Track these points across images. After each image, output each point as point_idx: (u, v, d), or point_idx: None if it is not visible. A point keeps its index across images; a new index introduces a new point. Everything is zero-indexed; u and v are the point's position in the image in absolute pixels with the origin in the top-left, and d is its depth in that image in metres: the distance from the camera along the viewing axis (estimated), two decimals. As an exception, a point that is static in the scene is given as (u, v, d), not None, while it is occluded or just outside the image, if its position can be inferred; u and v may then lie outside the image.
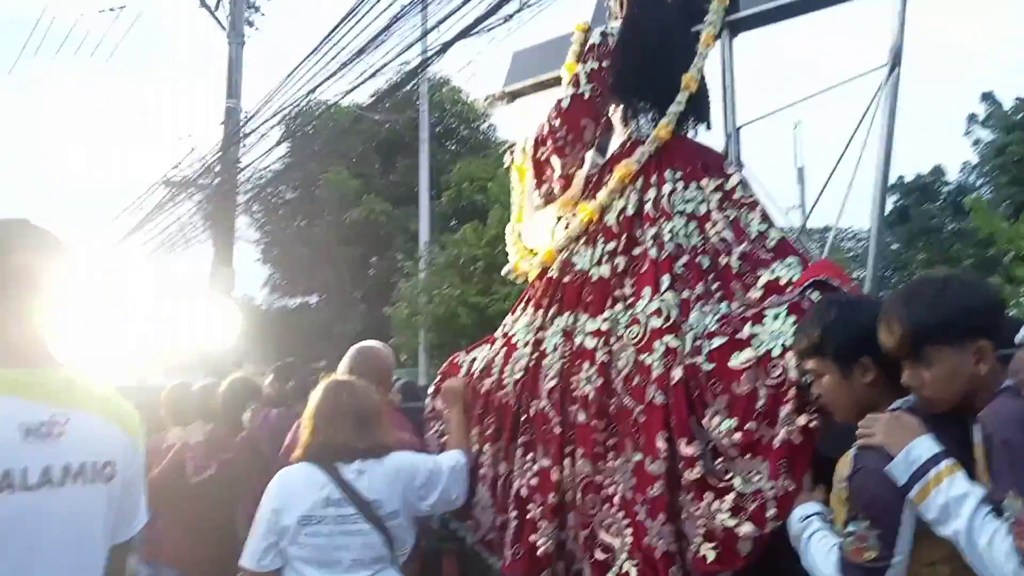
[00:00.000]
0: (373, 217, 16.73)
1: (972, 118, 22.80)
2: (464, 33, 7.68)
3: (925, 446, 1.76)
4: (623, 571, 2.48)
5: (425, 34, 9.09)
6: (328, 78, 9.83)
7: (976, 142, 22.83)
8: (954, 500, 1.68)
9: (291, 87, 10.57)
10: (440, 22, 8.16)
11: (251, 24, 13.82)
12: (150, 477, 4.32)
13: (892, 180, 25.14)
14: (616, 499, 2.56)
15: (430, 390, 3.34)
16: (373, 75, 9.59)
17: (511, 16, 7.16)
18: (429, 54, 9.44)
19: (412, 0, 8.63)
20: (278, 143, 14.45)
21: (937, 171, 24.66)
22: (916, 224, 22.55)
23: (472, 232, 12.56)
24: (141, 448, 1.87)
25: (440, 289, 12.10)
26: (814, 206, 3.55)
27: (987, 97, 22.31)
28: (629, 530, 2.50)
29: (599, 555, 2.56)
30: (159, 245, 13.77)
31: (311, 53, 9.87)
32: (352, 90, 10.56)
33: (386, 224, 16.95)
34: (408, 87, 15.04)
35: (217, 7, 13.20)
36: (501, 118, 18.86)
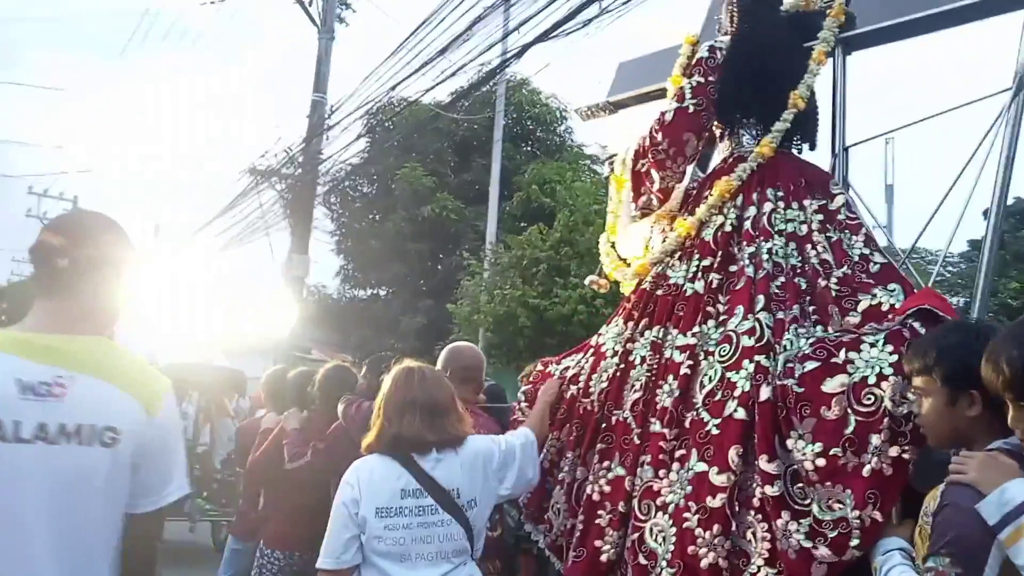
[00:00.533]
0: (444, 214, 16.98)
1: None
2: (543, 36, 7.77)
3: (1020, 488, 1.71)
4: None
5: (506, 35, 9.27)
6: (410, 75, 10.04)
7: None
8: None
9: (374, 83, 10.82)
10: (521, 24, 8.24)
11: (341, 20, 14.22)
12: (250, 460, 4.51)
13: (986, 203, 24.09)
14: (670, 507, 2.55)
15: (519, 393, 3.38)
16: (453, 74, 9.74)
17: (590, 21, 7.23)
18: (508, 55, 9.58)
19: (495, 2, 8.81)
20: (359, 137, 14.80)
21: (1038, 194, 23.88)
22: (1011, 251, 21.75)
23: (537, 234, 12.63)
24: (169, 423, 1.92)
25: (502, 289, 12.18)
26: (922, 232, 3.37)
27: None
28: (675, 537, 2.49)
29: (642, 560, 2.57)
30: (242, 230, 14.25)
31: (395, 51, 10.11)
32: (432, 88, 10.60)
33: (456, 222, 17.19)
34: (486, 87, 15.27)
35: (311, 3, 13.52)
36: (578, 123, 19.02)
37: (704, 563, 2.39)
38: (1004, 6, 2.78)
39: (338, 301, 19.88)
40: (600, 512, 2.75)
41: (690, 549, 2.43)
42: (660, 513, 2.57)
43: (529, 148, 19.50)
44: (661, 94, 3.60)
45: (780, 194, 2.93)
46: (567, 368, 3.19)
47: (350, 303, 19.81)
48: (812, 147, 3.18)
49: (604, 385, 2.94)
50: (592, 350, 3.13)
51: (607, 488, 2.76)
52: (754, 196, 2.95)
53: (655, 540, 2.55)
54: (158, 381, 1.93)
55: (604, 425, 2.88)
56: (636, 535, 2.61)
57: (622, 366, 2.93)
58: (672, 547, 2.47)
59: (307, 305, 15.55)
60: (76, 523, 1.76)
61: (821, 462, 2.31)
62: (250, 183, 13.48)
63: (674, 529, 2.49)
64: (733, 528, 2.41)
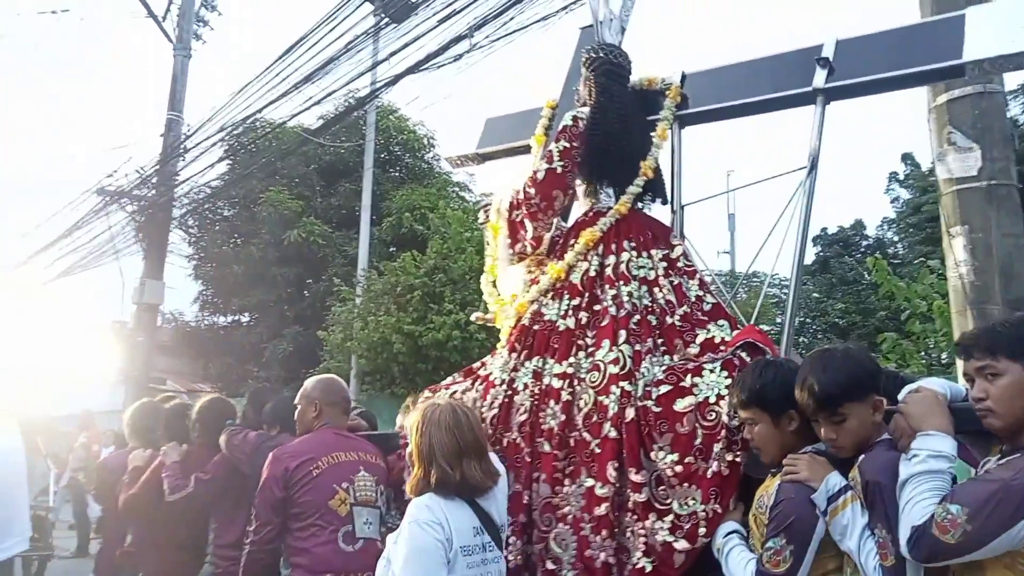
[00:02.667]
0: (311, 239, 16.54)
1: (893, 176, 23.95)
2: (414, 68, 7.98)
3: (837, 479, 2.34)
4: None
5: (375, 65, 9.27)
6: (277, 99, 9.89)
7: (895, 199, 23.95)
8: (851, 523, 2.25)
9: (237, 104, 10.60)
10: (392, 55, 8.38)
11: (199, 37, 13.69)
12: (126, 496, 4.43)
13: (816, 232, 26.22)
14: (569, 518, 2.98)
15: (399, 417, 3.72)
16: (321, 100, 9.74)
17: (460, 56, 7.45)
18: (379, 84, 9.62)
19: (365, 31, 8.83)
20: (220, 160, 14.26)
21: (859, 225, 25.76)
22: (836, 274, 23.44)
23: (411, 261, 12.54)
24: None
25: (376, 315, 12.05)
26: (747, 272, 4.09)
27: (907, 157, 23.47)
28: (575, 544, 2.93)
29: (549, 565, 2.99)
30: (87, 254, 13.48)
31: (261, 72, 9.94)
32: (300, 113, 10.63)
33: (324, 247, 16.78)
34: (356, 114, 15.06)
35: (165, 18, 13.10)
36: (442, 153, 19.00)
37: (598, 563, 2.86)
38: (796, 102, 3.45)
39: (196, 328, 18.87)
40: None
41: (587, 552, 2.88)
42: (560, 524, 2.99)
43: (397, 174, 19.44)
44: (524, 150, 4.08)
45: (633, 245, 3.44)
46: (454, 394, 3.50)
47: (209, 330, 18.84)
48: (664, 202, 3.71)
49: (496, 411, 3.30)
50: (480, 379, 3.51)
51: (508, 503, 3.10)
52: (613, 246, 3.45)
53: (559, 547, 2.97)
54: None
55: (497, 447, 3.22)
56: (541, 544, 3.02)
57: (509, 392, 3.32)
58: (574, 552, 2.92)
59: (162, 333, 14.80)
60: None
61: (679, 468, 2.83)
62: (98, 203, 12.76)
63: (574, 537, 2.94)
64: (616, 530, 2.88)
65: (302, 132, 14.35)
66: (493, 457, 2.98)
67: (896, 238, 24.54)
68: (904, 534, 2.02)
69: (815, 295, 23.69)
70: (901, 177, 23.77)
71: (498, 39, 7.15)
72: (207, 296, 18.74)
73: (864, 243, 25.54)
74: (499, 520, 2.77)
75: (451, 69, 7.72)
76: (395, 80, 8.64)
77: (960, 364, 2.87)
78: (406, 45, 8.15)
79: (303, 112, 10.32)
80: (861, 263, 23.60)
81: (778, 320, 24.93)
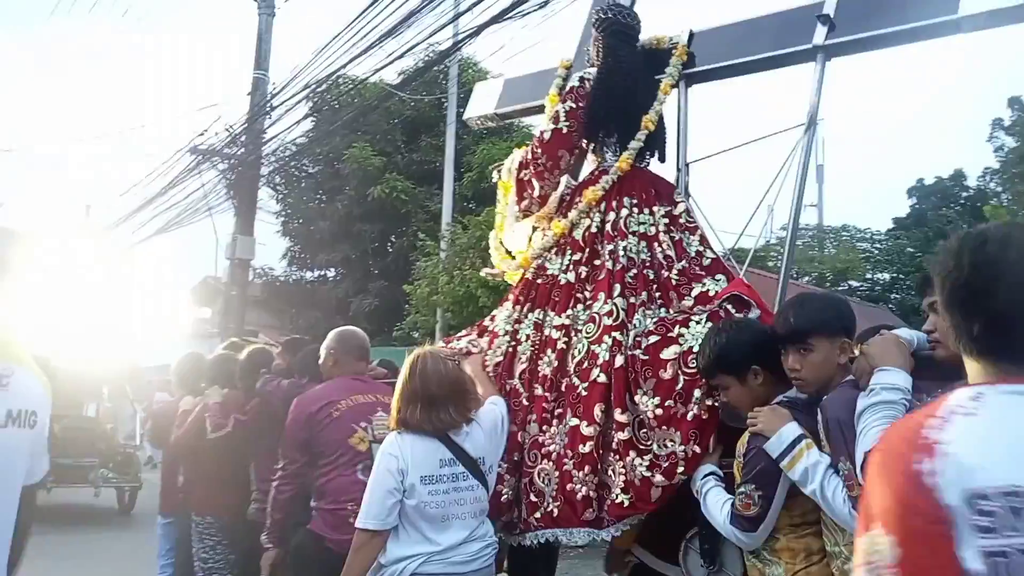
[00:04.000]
0: (394, 195, 16.71)
1: (997, 123, 22.58)
2: (498, 17, 7.62)
3: (792, 429, 2.47)
4: (548, 509, 3.12)
5: (457, 16, 9.06)
6: (359, 55, 9.76)
7: (999, 148, 22.62)
8: (811, 467, 2.39)
9: (320, 62, 10.49)
10: (474, 4, 8.08)
11: None
12: (174, 436, 4.84)
13: (911, 182, 25.16)
14: (552, 455, 3.17)
15: None
16: (403, 55, 9.56)
17: (547, 2, 7.10)
18: (460, 36, 9.38)
19: None
20: (305, 117, 14.37)
21: (958, 175, 24.44)
22: (934, 228, 22.39)
23: (495, 214, 12.36)
24: (48, 407, 2.19)
25: (461, 269, 11.98)
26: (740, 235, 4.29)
27: (1015, 102, 22.02)
28: (557, 478, 3.12)
29: (532, 497, 3.19)
30: (182, 211, 13.90)
31: (343, 29, 9.76)
32: (381, 68, 10.40)
33: (406, 202, 16.96)
34: (437, 68, 15.05)
35: None
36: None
37: (579, 496, 3.04)
38: (797, 59, 3.48)
39: (285, 283, 19.57)
40: (500, 463, 3.29)
41: (568, 486, 3.07)
42: (545, 460, 3.19)
43: (478, 128, 19.19)
44: (541, 109, 4.16)
45: (635, 201, 3.54)
46: (463, 347, 3.70)
47: (297, 285, 19.50)
48: (662, 160, 3.80)
49: (499, 359, 3.52)
50: (486, 331, 3.72)
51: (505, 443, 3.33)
52: (614, 203, 3.55)
53: (543, 481, 3.17)
54: (46, 367, 2.21)
55: (501, 393, 3.41)
56: (527, 479, 3.23)
57: (512, 343, 3.52)
58: (556, 486, 3.11)
59: (253, 288, 15.39)
60: (5, 500, 2.00)
61: (659, 411, 2.99)
62: (191, 162, 13.05)
63: (556, 472, 3.13)
64: (600, 467, 3.06)
65: (384, 86, 14.44)
66: (497, 401, 3.28)
67: (1000, 189, 23.26)
68: (859, 459, 2.16)
69: (909, 249, 22.76)
70: (1007, 123, 22.40)
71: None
72: (295, 252, 19.33)
73: (964, 195, 24.27)
74: (475, 453, 2.99)
75: (536, 16, 7.43)
76: (478, 30, 8.26)
77: None
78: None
79: (385, 67, 10.18)
80: (962, 216, 22.54)
81: (868, 276, 24.22)
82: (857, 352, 2.49)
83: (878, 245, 25.04)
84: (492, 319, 3.80)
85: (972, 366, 1.27)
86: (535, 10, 7.21)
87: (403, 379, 3.02)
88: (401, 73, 15.14)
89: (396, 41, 9.26)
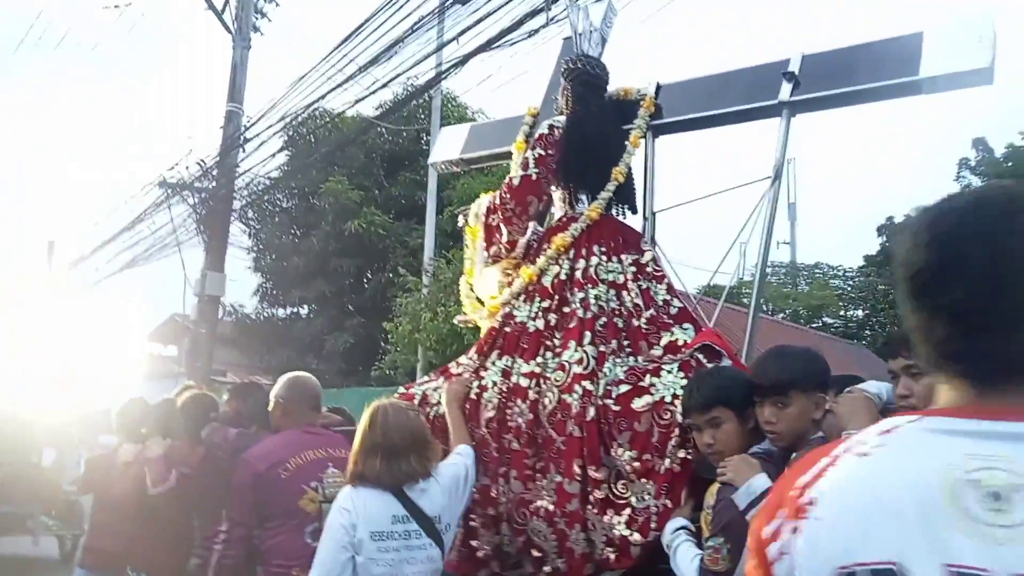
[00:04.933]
0: (372, 229, 16.21)
1: (964, 163, 22.92)
2: (485, 46, 7.41)
3: (761, 481, 2.41)
4: (555, 566, 3.10)
5: (441, 47, 8.80)
6: (338, 86, 9.57)
7: (966, 187, 22.92)
8: None
9: (296, 95, 10.39)
10: (459, 35, 7.80)
11: (257, 29, 13.53)
12: (112, 490, 4.53)
13: (880, 220, 25.45)
14: (542, 512, 3.13)
15: None
16: (386, 84, 9.32)
17: (536, 31, 6.85)
18: (445, 66, 9.01)
19: (430, 12, 8.30)
20: (280, 150, 14.01)
21: (924, 214, 24.66)
22: (907, 265, 22.54)
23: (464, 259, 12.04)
24: None
25: (446, 306, 11.40)
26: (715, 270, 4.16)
27: (979, 143, 22.42)
28: (554, 537, 3.09)
29: (535, 553, 3.16)
30: (150, 246, 13.67)
31: (322, 60, 9.62)
32: (362, 99, 10.07)
33: (384, 237, 16.53)
34: (419, 99, 14.80)
35: (223, 10, 12.83)
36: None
37: (576, 554, 3.04)
38: (763, 114, 3.53)
39: (256, 321, 19.02)
40: (472, 517, 3.30)
41: (567, 544, 3.05)
42: (535, 518, 3.13)
43: (442, 173, 19.05)
44: (507, 156, 4.20)
45: (603, 249, 3.55)
46: (426, 392, 3.67)
47: (268, 323, 18.82)
48: (633, 211, 3.82)
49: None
50: (448, 376, 3.66)
51: (476, 496, 3.26)
52: (583, 251, 3.55)
53: (538, 539, 3.13)
54: None
55: None
56: (522, 539, 3.18)
57: (477, 390, 3.44)
58: (555, 544, 3.08)
59: (222, 325, 15.01)
60: None
61: (637, 464, 2.95)
62: (160, 196, 12.87)
63: (551, 530, 3.09)
64: (586, 524, 3.03)
65: (369, 119, 14.08)
66: (464, 451, 3.21)
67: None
68: None
69: (881, 287, 22.92)
70: (972, 163, 22.77)
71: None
72: (266, 288, 18.68)
73: (931, 233, 24.50)
74: (431, 512, 2.91)
75: (525, 45, 7.08)
76: (465, 59, 8.04)
77: None
78: (478, 21, 7.48)
79: (365, 99, 9.96)
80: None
81: (841, 313, 24.38)
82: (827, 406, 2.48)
83: (850, 282, 25.25)
84: (457, 364, 3.75)
85: (942, 391, 0.96)
86: (524, 39, 7.01)
87: (363, 430, 2.95)
88: (379, 107, 15.01)
89: (377, 72, 9.06)
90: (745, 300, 15.17)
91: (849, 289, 25.19)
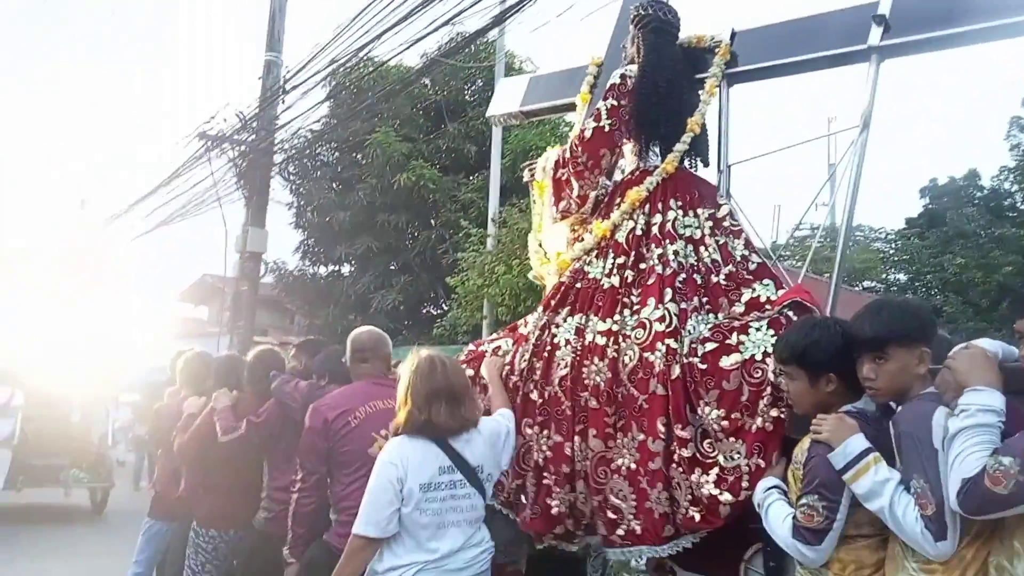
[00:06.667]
0: (421, 183, 15.15)
1: (1015, 121, 22.08)
2: None
3: (858, 442, 2.36)
4: (631, 527, 3.05)
5: None
6: (384, 32, 9.15)
7: (1016, 146, 22.13)
8: (879, 483, 2.28)
9: (340, 42, 10.00)
10: None
11: None
12: (180, 441, 4.61)
13: (924, 182, 24.76)
14: (623, 471, 3.09)
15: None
16: (437, 28, 8.95)
17: None
18: (508, 3, 8.64)
19: None
20: (322, 101, 13.68)
21: (972, 175, 23.88)
22: (953, 227, 21.92)
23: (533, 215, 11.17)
24: None
25: (520, 257, 10.37)
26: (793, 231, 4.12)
27: (1030, 101, 21.49)
28: (633, 496, 3.05)
29: (610, 515, 3.11)
30: (187, 202, 13.42)
31: (366, 7, 9.26)
32: (413, 44, 9.44)
33: (434, 191, 15.42)
34: (471, 45, 14.21)
35: None
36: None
37: (656, 514, 2.99)
38: (850, 59, 3.37)
39: (300, 278, 18.76)
40: (545, 474, 3.29)
41: (646, 504, 3.01)
42: (616, 476, 3.10)
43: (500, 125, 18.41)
44: (569, 107, 4.08)
45: (680, 204, 3.44)
46: (497, 348, 3.65)
47: (312, 280, 17.94)
48: (706, 164, 3.69)
49: (525, 364, 3.43)
50: (515, 335, 3.64)
51: (549, 453, 3.28)
52: (659, 205, 3.45)
53: (618, 498, 3.09)
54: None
55: (537, 399, 3.35)
56: (599, 496, 3.14)
57: (548, 348, 3.40)
58: (634, 503, 3.04)
59: (262, 286, 14.68)
60: None
61: (725, 423, 2.90)
62: (199, 149, 12.37)
63: (632, 489, 3.05)
64: (669, 484, 2.99)
65: (425, 60, 13.47)
66: (505, 413, 3.28)
67: (1014, 188, 22.80)
68: (955, 486, 2.06)
69: (927, 250, 22.37)
70: (1024, 122, 21.93)
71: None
72: (308, 245, 18.41)
73: (978, 194, 23.78)
74: (473, 461, 2.98)
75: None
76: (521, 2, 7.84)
77: None
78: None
79: (421, 40, 9.21)
80: (982, 213, 22.03)
81: (884, 276, 23.81)
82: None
83: (892, 245, 24.72)
84: (524, 323, 3.71)
85: None
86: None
87: (408, 381, 2.98)
88: (422, 56, 14.46)
89: (428, 16, 8.85)
90: (787, 261, 14.79)
91: (891, 252, 24.66)
